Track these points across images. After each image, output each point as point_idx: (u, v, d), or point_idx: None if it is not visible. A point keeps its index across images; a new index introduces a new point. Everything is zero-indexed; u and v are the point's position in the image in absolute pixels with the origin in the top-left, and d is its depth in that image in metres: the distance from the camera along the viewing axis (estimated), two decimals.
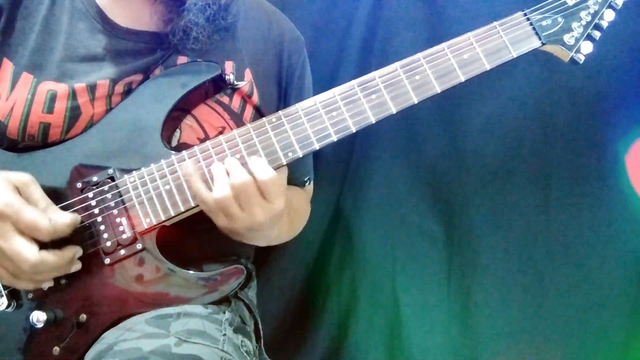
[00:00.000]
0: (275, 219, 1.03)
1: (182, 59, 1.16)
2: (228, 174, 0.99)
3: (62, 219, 0.97)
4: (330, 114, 1.04)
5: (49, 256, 0.95)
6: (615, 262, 1.62)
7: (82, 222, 1.03)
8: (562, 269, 1.65)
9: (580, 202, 1.62)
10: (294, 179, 1.35)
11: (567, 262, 1.64)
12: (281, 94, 1.30)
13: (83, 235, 1.03)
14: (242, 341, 1.10)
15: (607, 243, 1.62)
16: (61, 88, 1.09)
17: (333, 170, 1.70)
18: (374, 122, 1.05)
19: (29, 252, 0.92)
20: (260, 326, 1.26)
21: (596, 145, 1.59)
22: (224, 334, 1.05)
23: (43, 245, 0.95)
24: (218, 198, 0.98)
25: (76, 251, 1.00)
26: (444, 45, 1.06)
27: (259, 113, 1.22)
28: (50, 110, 1.09)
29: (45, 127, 1.09)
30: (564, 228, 1.63)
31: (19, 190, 0.96)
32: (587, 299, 1.63)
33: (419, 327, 1.69)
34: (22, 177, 0.97)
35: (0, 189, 0.93)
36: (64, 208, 1.03)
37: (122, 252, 1.03)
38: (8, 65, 1.10)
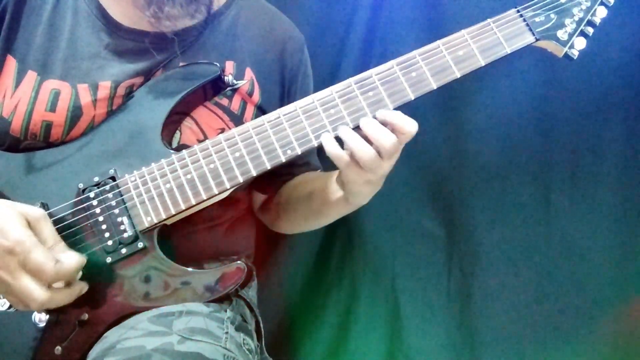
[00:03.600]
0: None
1: (183, 63, 1.17)
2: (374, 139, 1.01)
3: (68, 262, 0.95)
4: (328, 111, 1.05)
5: (57, 295, 0.95)
6: (615, 262, 1.62)
7: (83, 221, 1.04)
8: (561, 269, 1.65)
9: (580, 202, 1.62)
10: (316, 166, 1.38)
11: (567, 261, 1.64)
12: (284, 92, 1.31)
13: (85, 235, 1.04)
14: (244, 339, 1.10)
15: (607, 243, 1.62)
16: (64, 87, 1.10)
17: (333, 169, 1.70)
18: None
19: (37, 292, 0.92)
20: (261, 325, 1.26)
21: (596, 145, 1.60)
22: (226, 332, 1.05)
23: None
24: (367, 160, 1.00)
25: (83, 287, 1.00)
26: (439, 42, 1.07)
27: (261, 112, 1.23)
28: (53, 108, 1.10)
29: (48, 126, 1.10)
30: (564, 228, 1.64)
31: (29, 224, 0.95)
32: (587, 298, 1.64)
33: (419, 327, 1.69)
34: (35, 212, 0.97)
35: (13, 223, 0.93)
36: (64, 208, 1.05)
37: (124, 250, 1.04)
38: (12, 63, 1.12)
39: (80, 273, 1.00)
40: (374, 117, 1.04)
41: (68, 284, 0.98)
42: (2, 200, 0.98)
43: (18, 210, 0.95)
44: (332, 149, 1.02)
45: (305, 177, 1.34)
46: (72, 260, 0.96)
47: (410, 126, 1.01)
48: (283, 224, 1.41)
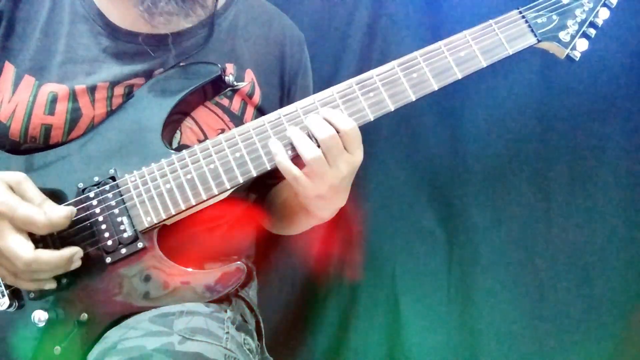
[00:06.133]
0: (353, 173, 1.06)
1: (184, 64, 1.17)
2: (311, 135, 1.02)
3: (58, 211, 0.97)
4: None
5: (44, 253, 0.95)
6: (614, 262, 1.63)
7: (83, 221, 1.04)
8: (561, 269, 1.65)
9: (580, 202, 1.62)
10: None
11: (567, 261, 1.65)
12: (284, 93, 1.31)
13: (84, 235, 1.03)
14: (244, 339, 1.11)
15: (607, 243, 1.63)
16: (62, 89, 1.10)
17: None
18: (372, 119, 1.06)
19: (23, 249, 0.92)
20: (261, 325, 1.27)
21: (596, 145, 1.60)
22: (227, 332, 1.05)
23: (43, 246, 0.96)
24: (310, 159, 1.00)
25: (76, 252, 1.00)
26: (440, 43, 1.07)
27: (261, 113, 1.22)
28: (51, 111, 1.09)
29: (47, 129, 1.10)
30: (563, 228, 1.64)
31: (13, 189, 0.96)
32: (586, 298, 1.64)
33: (419, 327, 1.69)
34: (15, 176, 0.97)
35: None
36: None
37: (123, 250, 1.03)
38: (10, 69, 1.11)
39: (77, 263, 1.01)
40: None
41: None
42: None
43: None
44: (281, 159, 1.02)
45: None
46: (61, 209, 0.97)
47: (345, 124, 1.01)
48: (267, 224, 1.45)
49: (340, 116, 1.02)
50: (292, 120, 1.05)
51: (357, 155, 1.04)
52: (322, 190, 1.03)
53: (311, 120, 1.03)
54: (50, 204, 0.99)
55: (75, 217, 1.03)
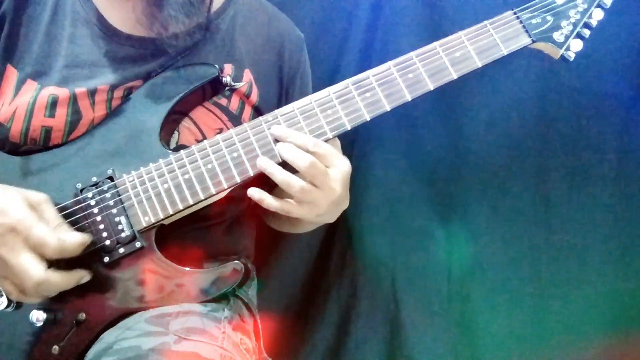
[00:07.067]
0: (347, 179, 1.07)
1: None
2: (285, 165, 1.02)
3: (72, 239, 0.97)
4: (326, 112, 1.06)
5: (55, 276, 0.95)
6: (614, 261, 1.62)
7: (81, 221, 1.05)
8: (561, 268, 1.65)
9: (580, 202, 1.62)
10: None
11: (567, 262, 1.64)
12: (282, 93, 1.31)
13: None
14: (241, 339, 1.11)
15: (607, 243, 1.62)
16: (62, 93, 1.10)
17: None
18: (368, 119, 1.06)
19: (35, 269, 0.93)
20: (259, 325, 1.27)
21: (596, 145, 1.60)
22: (223, 332, 1.06)
23: (54, 265, 0.97)
24: (296, 191, 1.01)
25: (83, 275, 1.01)
26: (436, 44, 1.08)
27: (258, 113, 1.23)
28: (51, 114, 1.10)
29: (47, 131, 1.10)
30: (563, 228, 1.64)
31: (32, 207, 0.96)
32: (587, 298, 1.63)
33: (419, 327, 1.69)
34: (37, 196, 0.98)
35: (16, 204, 0.94)
36: (62, 208, 1.05)
37: (121, 250, 1.04)
38: (12, 73, 1.12)
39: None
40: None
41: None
42: (3, 185, 0.99)
43: (21, 193, 0.97)
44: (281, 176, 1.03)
45: None
46: (76, 236, 0.98)
47: (312, 145, 1.02)
48: (272, 222, 1.48)
49: (304, 137, 1.03)
50: (289, 120, 1.06)
51: (342, 165, 1.05)
52: (320, 210, 1.05)
53: (285, 150, 1.03)
54: (65, 228, 1.00)
55: (73, 217, 1.04)
